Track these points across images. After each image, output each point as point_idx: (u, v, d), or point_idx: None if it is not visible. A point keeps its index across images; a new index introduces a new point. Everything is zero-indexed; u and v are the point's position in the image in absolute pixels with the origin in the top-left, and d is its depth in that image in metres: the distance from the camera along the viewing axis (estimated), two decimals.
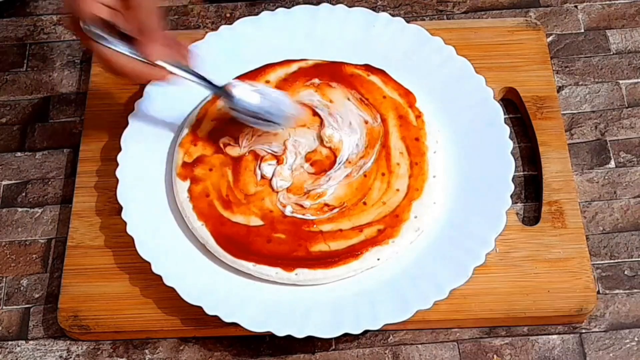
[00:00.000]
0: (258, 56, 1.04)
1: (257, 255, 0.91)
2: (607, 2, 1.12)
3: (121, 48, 0.88)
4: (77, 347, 0.93)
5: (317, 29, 1.06)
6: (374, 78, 1.02)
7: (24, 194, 1.02)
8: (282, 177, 0.95)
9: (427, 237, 0.93)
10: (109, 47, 0.88)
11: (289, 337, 0.88)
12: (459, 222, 0.94)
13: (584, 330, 0.92)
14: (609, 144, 1.02)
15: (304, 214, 0.94)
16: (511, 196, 0.94)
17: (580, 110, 1.05)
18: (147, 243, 0.93)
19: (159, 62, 0.90)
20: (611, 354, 0.91)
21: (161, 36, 0.89)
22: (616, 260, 0.96)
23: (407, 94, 1.01)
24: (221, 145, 0.97)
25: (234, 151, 0.97)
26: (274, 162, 0.96)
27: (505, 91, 1.04)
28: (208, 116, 1.00)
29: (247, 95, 0.95)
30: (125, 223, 0.93)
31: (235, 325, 0.88)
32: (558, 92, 1.05)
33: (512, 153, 0.96)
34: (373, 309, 0.89)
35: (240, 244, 0.92)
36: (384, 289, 0.91)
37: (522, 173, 1.01)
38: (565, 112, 1.04)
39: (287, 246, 0.92)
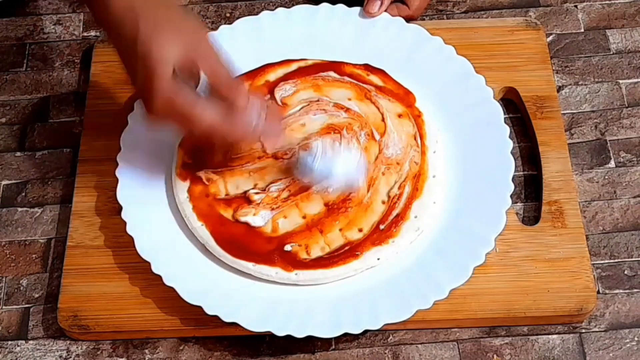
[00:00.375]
0: (258, 56, 1.04)
1: (257, 256, 0.91)
2: (607, 2, 1.12)
3: (212, 102, 0.83)
4: (77, 347, 0.93)
5: (317, 28, 1.06)
6: (373, 78, 1.02)
7: (23, 194, 1.02)
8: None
9: (427, 237, 0.93)
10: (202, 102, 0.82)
11: (289, 337, 0.88)
12: (458, 221, 0.94)
13: (583, 330, 0.92)
14: (608, 144, 1.02)
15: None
16: (511, 196, 0.94)
17: (580, 110, 1.05)
18: (147, 243, 0.93)
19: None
20: (611, 354, 0.91)
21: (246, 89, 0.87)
22: (616, 260, 0.95)
23: (406, 94, 1.01)
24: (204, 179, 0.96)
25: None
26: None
27: (505, 91, 1.04)
28: None
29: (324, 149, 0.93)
30: (125, 223, 0.93)
31: (235, 325, 0.88)
32: (558, 91, 1.05)
33: (512, 153, 0.96)
34: (373, 308, 0.89)
35: (240, 244, 0.92)
36: (383, 288, 0.91)
37: (522, 173, 1.01)
38: (565, 111, 1.04)
39: None
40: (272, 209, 0.94)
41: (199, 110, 0.83)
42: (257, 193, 0.94)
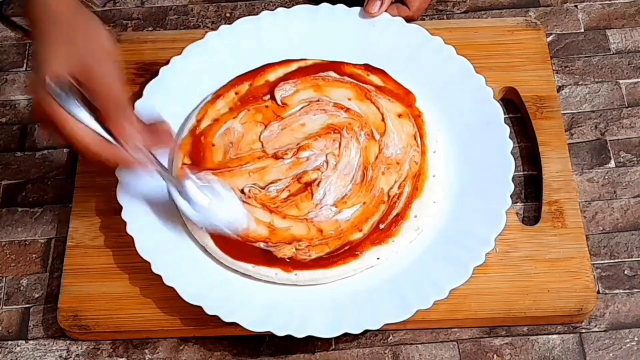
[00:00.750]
0: (258, 56, 1.04)
1: (256, 257, 0.91)
2: (607, 2, 1.12)
3: (88, 120, 0.81)
4: (77, 347, 0.93)
5: (317, 28, 1.06)
6: (373, 78, 1.02)
7: (23, 194, 1.02)
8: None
9: (427, 237, 0.93)
10: (74, 116, 0.81)
11: (289, 337, 0.88)
12: (458, 221, 0.94)
13: (583, 330, 0.92)
14: (608, 144, 1.02)
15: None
16: (511, 196, 0.94)
17: (580, 110, 1.05)
18: (147, 243, 0.93)
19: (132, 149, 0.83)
20: (611, 354, 0.90)
21: (133, 117, 0.84)
22: (616, 260, 0.95)
23: (406, 94, 1.01)
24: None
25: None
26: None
27: (505, 91, 1.04)
28: (207, 117, 0.99)
29: (197, 194, 0.90)
30: (125, 223, 0.93)
31: (235, 325, 0.88)
32: (558, 91, 1.05)
33: (512, 153, 0.96)
34: (373, 308, 0.89)
35: (239, 245, 0.92)
36: (383, 288, 0.91)
37: (522, 173, 1.00)
38: (565, 111, 1.04)
39: None
40: (271, 211, 0.94)
41: (69, 129, 0.81)
42: (251, 189, 0.94)
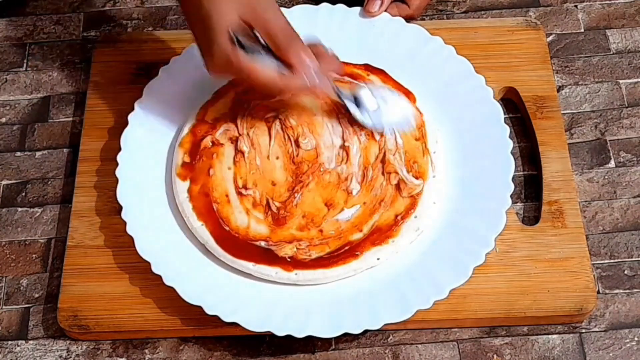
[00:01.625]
0: None
1: (256, 255, 0.91)
2: (607, 2, 1.12)
3: (270, 60, 0.89)
4: (77, 347, 0.93)
5: (317, 28, 1.06)
6: (373, 78, 1.02)
7: (23, 194, 1.02)
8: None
9: (427, 237, 0.93)
10: (259, 60, 0.88)
11: (289, 337, 0.88)
12: (458, 221, 0.94)
13: (583, 330, 0.92)
14: (608, 144, 1.02)
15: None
16: (511, 196, 0.94)
17: (580, 110, 1.05)
18: (147, 243, 0.93)
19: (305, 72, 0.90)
20: (611, 354, 0.90)
21: (304, 45, 0.90)
22: (616, 260, 0.95)
23: (407, 94, 1.01)
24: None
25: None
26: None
27: (505, 91, 1.04)
28: (207, 116, 0.99)
29: (370, 101, 0.97)
30: (125, 223, 0.93)
31: (235, 325, 0.88)
32: (558, 91, 1.05)
33: (512, 153, 0.96)
34: (373, 308, 0.89)
35: (239, 243, 0.92)
36: (383, 288, 0.91)
37: (522, 173, 1.00)
38: (565, 111, 1.04)
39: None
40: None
41: (252, 68, 0.88)
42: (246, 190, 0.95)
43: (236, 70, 0.89)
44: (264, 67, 0.88)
